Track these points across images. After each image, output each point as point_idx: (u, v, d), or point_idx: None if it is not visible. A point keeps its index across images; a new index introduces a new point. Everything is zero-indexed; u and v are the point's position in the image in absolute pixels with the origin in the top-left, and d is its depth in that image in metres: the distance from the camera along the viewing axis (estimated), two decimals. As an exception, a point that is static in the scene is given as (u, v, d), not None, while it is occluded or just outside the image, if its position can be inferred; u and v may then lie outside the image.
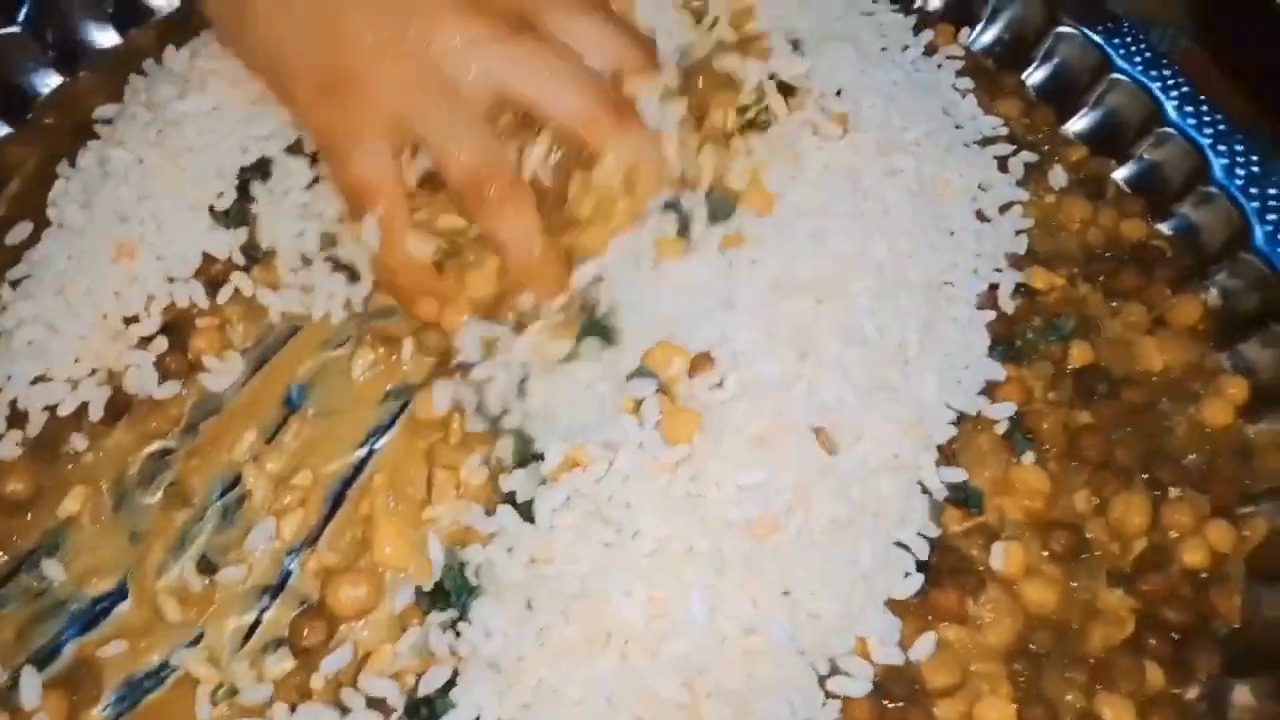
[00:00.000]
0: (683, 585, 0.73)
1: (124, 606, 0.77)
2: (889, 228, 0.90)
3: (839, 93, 0.95)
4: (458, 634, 0.73)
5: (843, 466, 0.80)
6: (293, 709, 0.72)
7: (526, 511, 0.76)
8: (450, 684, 0.71)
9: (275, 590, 0.78)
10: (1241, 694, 0.79)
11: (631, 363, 0.81)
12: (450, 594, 0.75)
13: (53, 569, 0.77)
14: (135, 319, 0.86)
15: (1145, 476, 0.87)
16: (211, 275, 0.89)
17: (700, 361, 0.81)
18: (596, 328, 0.84)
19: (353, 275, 0.89)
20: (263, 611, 0.77)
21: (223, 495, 0.81)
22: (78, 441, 0.82)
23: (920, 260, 0.90)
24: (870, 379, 0.83)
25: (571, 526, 0.74)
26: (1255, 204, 0.99)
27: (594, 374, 0.83)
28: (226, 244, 0.89)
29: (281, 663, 0.75)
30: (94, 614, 0.77)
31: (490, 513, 0.76)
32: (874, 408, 0.83)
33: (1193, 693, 0.80)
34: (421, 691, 0.72)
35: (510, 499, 0.77)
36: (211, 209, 0.89)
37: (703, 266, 0.86)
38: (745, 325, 0.82)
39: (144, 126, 0.91)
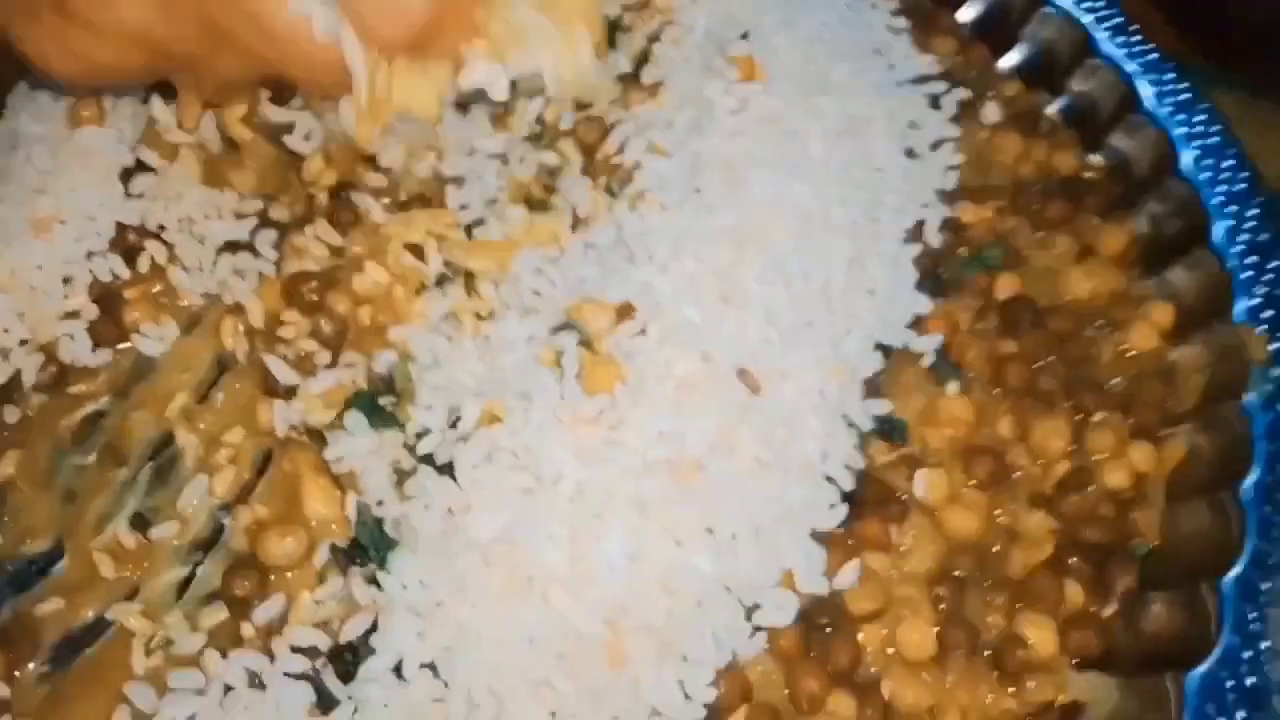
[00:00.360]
0: (604, 528, 0.74)
1: (60, 565, 0.79)
2: (811, 169, 0.91)
3: (744, 36, 0.95)
4: (379, 586, 0.74)
5: (767, 406, 0.81)
6: (224, 656, 0.73)
7: (448, 472, 0.77)
8: (373, 630, 0.73)
9: (209, 545, 0.80)
10: (1157, 606, 0.80)
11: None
12: (368, 549, 0.77)
13: (-11, 531, 0.79)
14: (65, 295, 0.88)
15: (1069, 402, 0.88)
16: (128, 245, 0.90)
17: (623, 311, 0.82)
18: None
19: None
20: (197, 566, 0.79)
21: (156, 455, 0.82)
22: (10, 410, 0.84)
23: (844, 199, 0.91)
24: (795, 319, 0.85)
25: (491, 478, 0.75)
26: (1183, 130, 1.00)
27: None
28: (138, 212, 0.90)
29: (216, 614, 0.76)
30: (31, 574, 0.78)
31: (409, 474, 0.78)
32: (799, 347, 0.84)
33: (1110, 609, 0.81)
34: (345, 638, 0.73)
35: (429, 460, 0.78)
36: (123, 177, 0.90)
37: (609, 230, 0.88)
38: (666, 274, 0.83)
39: (53, 97, 0.92)
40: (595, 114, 0.97)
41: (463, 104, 0.96)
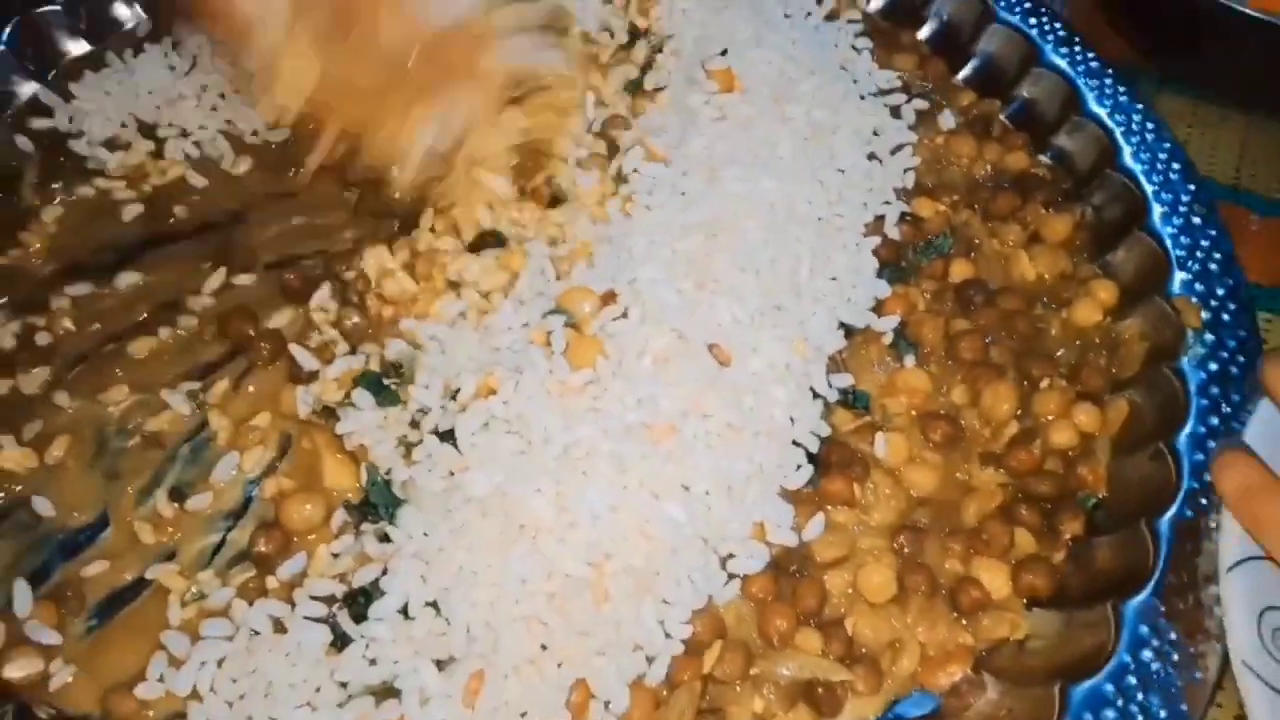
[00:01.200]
0: (587, 483, 0.83)
1: (105, 534, 0.88)
2: (779, 169, 1.01)
3: (724, 53, 1.05)
4: (388, 540, 0.84)
5: (737, 377, 0.90)
6: (250, 605, 0.82)
7: (449, 439, 0.87)
8: (383, 576, 0.82)
9: (239, 513, 0.89)
10: (1104, 549, 0.87)
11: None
12: (378, 507, 0.86)
13: (43, 505, 0.88)
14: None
15: (1018, 372, 0.96)
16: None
17: (606, 297, 0.92)
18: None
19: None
20: (228, 531, 0.88)
21: (191, 437, 0.92)
22: (62, 396, 0.93)
23: (810, 197, 1.01)
24: (763, 301, 0.94)
25: (487, 442, 0.85)
26: (1121, 127, 1.09)
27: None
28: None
29: (244, 572, 0.85)
30: (79, 542, 0.87)
31: (415, 444, 0.87)
32: (766, 326, 0.93)
33: (1059, 555, 0.88)
34: (357, 584, 0.82)
35: (432, 430, 0.88)
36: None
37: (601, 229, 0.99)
38: (645, 265, 0.93)
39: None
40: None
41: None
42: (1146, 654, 0.79)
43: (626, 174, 1.03)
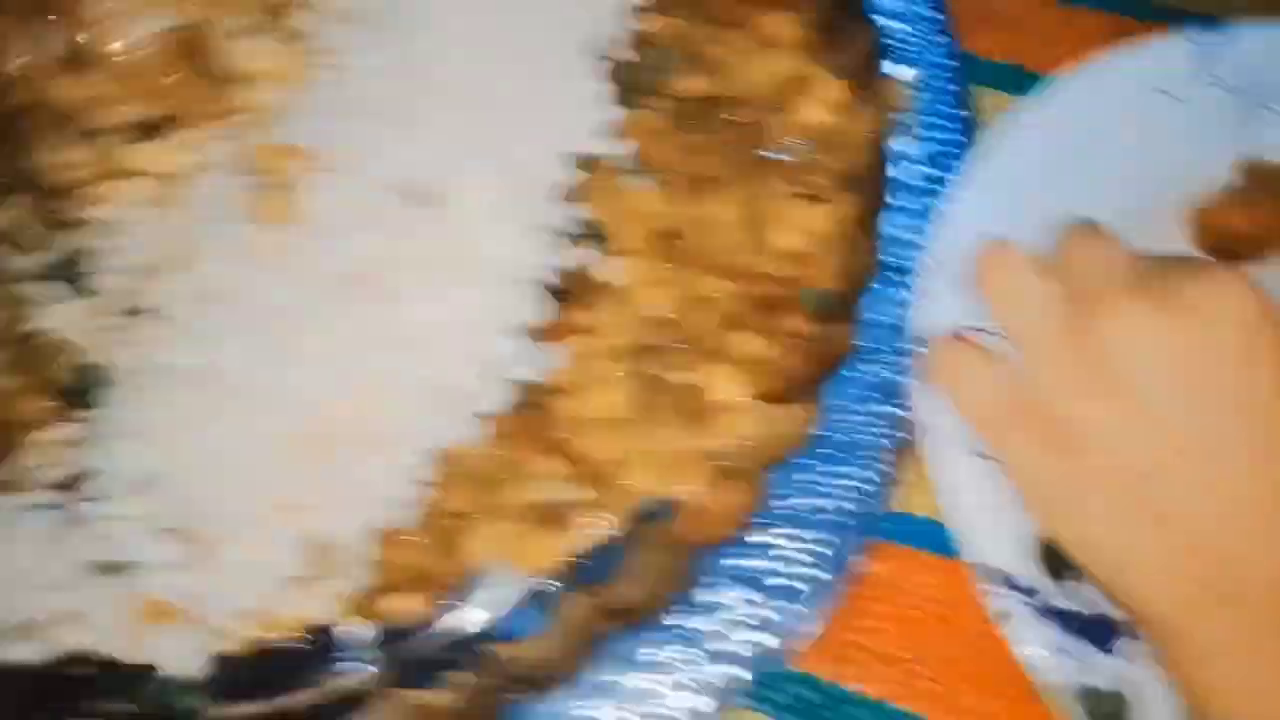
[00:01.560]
0: (300, 342, 0.84)
1: None
2: (482, 3, 0.98)
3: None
4: (98, 422, 0.84)
5: (454, 220, 0.90)
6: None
7: (150, 316, 0.87)
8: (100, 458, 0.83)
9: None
10: (823, 343, 0.90)
11: None
12: (88, 390, 0.86)
13: None
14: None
15: (744, 179, 0.97)
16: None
17: (302, 153, 0.90)
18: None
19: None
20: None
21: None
22: None
23: (523, 24, 0.99)
24: (476, 139, 0.93)
25: (188, 313, 0.85)
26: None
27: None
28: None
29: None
30: None
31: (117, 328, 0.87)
32: (479, 164, 0.92)
33: (786, 355, 0.90)
34: (75, 468, 0.83)
35: (132, 311, 0.88)
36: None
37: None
38: (341, 115, 0.91)
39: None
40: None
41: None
42: (839, 418, 0.84)
43: (304, 32, 0.99)
